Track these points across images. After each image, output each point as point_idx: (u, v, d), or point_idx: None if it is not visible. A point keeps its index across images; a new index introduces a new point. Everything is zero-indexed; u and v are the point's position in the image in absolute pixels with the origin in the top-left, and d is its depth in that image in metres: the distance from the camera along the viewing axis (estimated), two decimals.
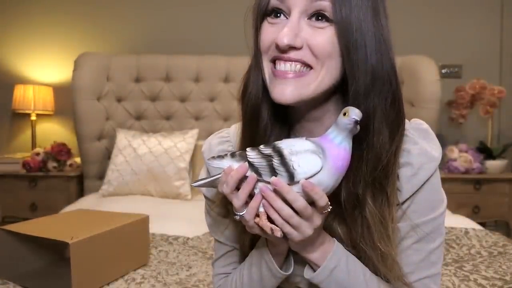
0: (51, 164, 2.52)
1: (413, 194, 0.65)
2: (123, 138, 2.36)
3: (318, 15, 0.59)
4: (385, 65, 0.60)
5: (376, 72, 0.59)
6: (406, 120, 0.66)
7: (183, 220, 1.84)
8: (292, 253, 0.67)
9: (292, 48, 0.59)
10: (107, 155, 2.52)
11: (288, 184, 0.55)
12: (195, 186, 0.62)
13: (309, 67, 0.60)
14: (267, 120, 0.66)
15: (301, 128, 0.68)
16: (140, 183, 2.26)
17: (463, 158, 2.56)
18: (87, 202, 2.15)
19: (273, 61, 0.62)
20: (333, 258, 0.63)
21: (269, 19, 0.62)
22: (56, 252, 1.30)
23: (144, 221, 1.35)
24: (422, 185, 0.65)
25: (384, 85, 0.60)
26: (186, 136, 2.37)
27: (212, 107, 2.63)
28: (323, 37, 0.58)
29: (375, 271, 0.66)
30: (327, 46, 0.58)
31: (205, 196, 0.76)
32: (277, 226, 0.57)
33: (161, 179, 2.25)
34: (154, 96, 2.61)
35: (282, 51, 0.59)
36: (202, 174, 0.77)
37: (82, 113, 2.45)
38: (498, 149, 2.72)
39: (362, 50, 0.58)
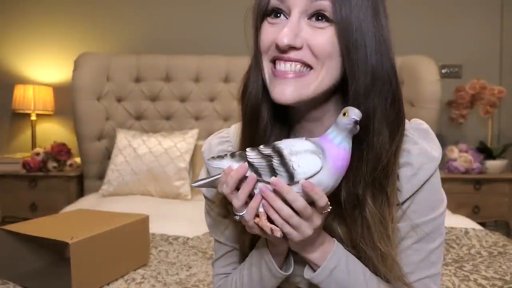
0: (51, 164, 2.52)
1: (413, 194, 0.65)
2: (123, 138, 2.36)
3: (318, 15, 0.59)
4: (385, 65, 0.60)
5: (376, 72, 0.59)
6: (406, 120, 0.66)
7: (183, 220, 1.84)
8: (292, 253, 0.67)
9: (292, 48, 0.59)
10: (107, 155, 2.52)
11: (288, 184, 0.55)
12: (195, 187, 0.62)
13: (309, 67, 0.60)
14: (267, 120, 0.65)
15: (301, 129, 0.68)
16: (140, 183, 2.26)
17: (463, 158, 2.56)
18: (87, 202, 2.15)
19: (273, 61, 0.62)
20: (333, 258, 0.63)
21: (269, 19, 0.62)
22: (56, 252, 1.30)
23: (144, 221, 1.35)
24: (422, 185, 0.65)
25: (384, 85, 0.60)
26: (186, 136, 2.37)
27: (212, 107, 2.63)
28: (323, 37, 0.58)
29: (375, 271, 0.66)
30: (327, 46, 0.58)
31: (205, 196, 0.76)
32: (277, 226, 0.57)
33: (161, 179, 2.25)
34: (154, 96, 2.61)
35: (282, 51, 0.59)
36: (202, 174, 0.77)
37: (82, 113, 2.45)
38: (498, 149, 2.72)
39: (362, 50, 0.58)
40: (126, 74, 2.57)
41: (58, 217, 1.44)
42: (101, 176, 2.50)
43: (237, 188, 0.57)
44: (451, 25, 2.91)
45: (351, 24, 0.57)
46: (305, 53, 0.59)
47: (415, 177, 0.64)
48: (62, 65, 2.88)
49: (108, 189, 2.26)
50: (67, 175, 2.54)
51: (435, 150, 0.66)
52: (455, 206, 2.36)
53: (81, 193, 2.59)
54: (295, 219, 0.56)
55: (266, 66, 0.63)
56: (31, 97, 2.70)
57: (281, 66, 0.60)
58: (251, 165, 0.57)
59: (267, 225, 0.56)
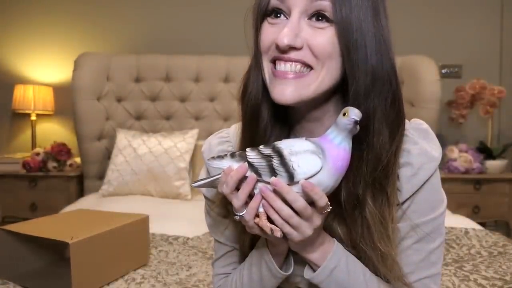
0: (51, 164, 2.52)
1: (413, 194, 0.65)
2: (123, 138, 2.36)
3: (318, 15, 0.58)
4: (385, 65, 0.60)
5: (376, 72, 0.59)
6: (406, 120, 0.66)
7: (183, 220, 1.84)
8: (292, 253, 0.67)
9: (292, 48, 0.59)
10: (107, 155, 2.52)
11: (288, 185, 0.55)
12: (195, 187, 0.62)
13: (309, 67, 0.60)
14: (267, 121, 0.65)
15: (301, 129, 0.68)
16: (140, 183, 2.26)
17: (463, 158, 2.56)
18: (87, 202, 2.15)
19: (273, 61, 0.62)
20: (333, 258, 0.63)
21: (269, 19, 0.62)
22: (56, 252, 1.30)
23: (144, 221, 1.35)
24: (422, 185, 0.65)
25: (384, 85, 0.60)
26: (186, 136, 2.37)
27: (212, 107, 2.63)
28: (324, 37, 0.58)
29: (375, 271, 0.66)
30: (327, 46, 0.58)
31: (205, 197, 0.76)
32: (276, 226, 0.57)
33: (161, 179, 2.25)
34: (154, 96, 2.61)
35: (282, 52, 0.59)
36: (202, 174, 0.77)
37: (82, 113, 2.45)
38: (498, 149, 2.72)
39: (362, 50, 0.58)
40: (126, 74, 2.57)
41: (58, 217, 1.44)
42: (101, 176, 2.50)
43: (237, 188, 0.57)
44: (451, 25, 2.91)
45: (351, 24, 0.57)
46: (305, 53, 0.59)
47: (415, 177, 0.64)
48: (62, 65, 2.88)
49: (108, 189, 2.26)
50: (67, 175, 2.54)
51: (435, 150, 0.66)
52: (455, 206, 2.36)
53: (81, 193, 2.59)
54: (295, 219, 0.56)
55: (266, 66, 0.63)
56: (31, 97, 2.70)
57: (281, 66, 0.60)
58: (251, 165, 0.57)
59: (267, 225, 0.56)
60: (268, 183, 0.56)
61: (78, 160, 2.64)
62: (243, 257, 0.75)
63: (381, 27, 0.60)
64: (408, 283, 0.65)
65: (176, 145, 2.32)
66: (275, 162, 0.55)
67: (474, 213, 2.54)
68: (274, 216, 0.56)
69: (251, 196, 0.57)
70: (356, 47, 0.58)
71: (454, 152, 2.59)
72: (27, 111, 2.75)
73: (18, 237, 1.20)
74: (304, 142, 0.57)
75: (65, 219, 1.37)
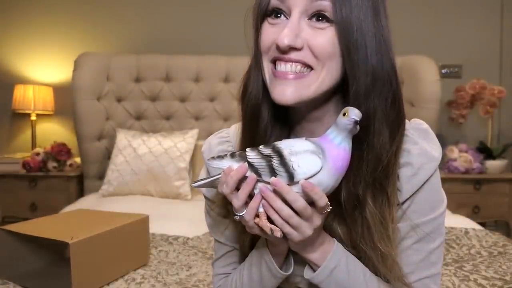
0: (51, 164, 2.52)
1: (413, 194, 0.65)
2: (123, 138, 2.36)
3: (319, 16, 0.58)
4: (385, 66, 0.60)
5: (376, 73, 0.59)
6: (406, 120, 0.66)
7: (183, 220, 1.84)
8: (292, 253, 0.67)
9: (292, 48, 0.59)
10: (107, 155, 2.52)
11: (288, 185, 0.55)
12: (195, 187, 0.62)
13: (310, 67, 0.60)
14: (268, 121, 0.65)
15: (301, 129, 0.68)
16: (140, 183, 2.26)
17: (463, 158, 2.56)
18: (87, 202, 2.15)
19: (274, 61, 0.62)
20: (333, 258, 0.63)
21: (269, 19, 0.62)
22: (56, 252, 1.30)
23: (144, 221, 1.35)
24: (422, 185, 0.65)
25: (385, 86, 0.60)
26: (186, 136, 2.38)
27: (212, 107, 2.63)
28: (324, 37, 0.58)
29: (375, 272, 0.66)
30: (327, 46, 0.58)
31: (205, 197, 0.76)
32: (276, 226, 0.57)
33: (161, 179, 2.25)
34: (154, 96, 2.61)
35: (282, 52, 0.59)
36: (202, 174, 0.77)
37: (82, 113, 2.45)
38: (498, 149, 2.72)
39: (362, 50, 0.58)
40: (126, 74, 2.57)
41: (58, 217, 1.44)
42: (101, 176, 2.50)
43: (237, 188, 0.57)
44: (451, 25, 2.91)
45: (351, 24, 0.57)
46: (306, 53, 0.59)
47: (415, 177, 0.64)
48: (62, 65, 2.88)
49: (108, 189, 2.26)
50: (67, 175, 2.54)
51: (435, 150, 0.66)
52: (455, 206, 2.36)
53: (81, 193, 2.59)
54: (295, 219, 0.56)
55: (267, 66, 0.63)
56: (31, 97, 2.70)
57: (282, 66, 0.60)
58: (251, 165, 0.57)
59: (267, 225, 0.56)
60: (268, 183, 0.56)
61: (78, 160, 2.64)
62: (243, 257, 0.75)
63: (381, 27, 0.60)
64: (408, 283, 0.65)
65: (176, 145, 2.32)
66: (275, 162, 0.55)
67: (474, 213, 2.54)
68: (274, 216, 0.56)
69: (251, 196, 0.57)
70: (356, 47, 0.58)
71: (454, 152, 2.59)
72: (27, 111, 2.75)
73: (18, 237, 1.20)
74: (304, 142, 0.57)
75: (65, 219, 1.37)
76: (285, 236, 0.58)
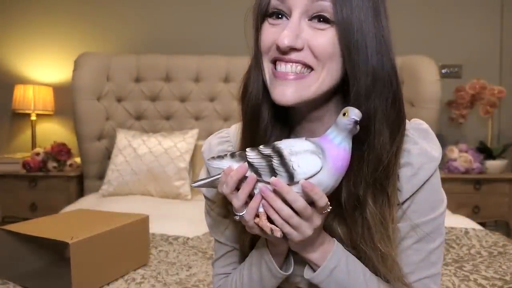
0: (51, 164, 2.52)
1: (413, 194, 0.65)
2: (123, 138, 2.36)
3: (320, 17, 0.58)
4: (386, 66, 0.60)
5: (377, 73, 0.59)
6: (406, 120, 0.66)
7: (183, 220, 1.84)
8: (292, 253, 0.67)
9: (293, 49, 0.59)
10: (107, 155, 2.52)
11: (288, 185, 0.55)
12: (195, 187, 0.62)
13: (310, 68, 0.60)
14: (268, 121, 0.65)
15: (301, 129, 0.68)
16: (140, 183, 2.26)
17: (463, 158, 2.56)
18: (87, 202, 2.15)
19: (274, 62, 0.62)
20: (333, 258, 0.63)
21: (269, 19, 0.62)
22: (56, 252, 1.30)
23: (144, 221, 1.35)
24: (422, 185, 0.65)
25: (385, 86, 0.60)
26: (186, 136, 2.38)
27: (212, 107, 2.63)
28: (324, 38, 0.58)
29: (375, 272, 0.66)
30: (328, 47, 0.58)
31: (205, 197, 0.76)
32: (276, 226, 0.57)
33: (161, 179, 2.25)
34: (154, 96, 2.61)
35: (282, 52, 0.59)
36: (202, 174, 0.77)
37: (82, 113, 2.45)
38: (498, 149, 2.72)
39: (363, 51, 0.58)
40: (126, 74, 2.57)
41: (58, 217, 1.44)
42: (101, 176, 2.50)
43: (237, 188, 0.57)
44: (451, 25, 2.91)
45: (352, 25, 0.57)
46: (306, 54, 0.59)
47: (415, 177, 0.64)
48: (62, 65, 2.88)
49: (108, 189, 2.26)
50: (67, 175, 2.54)
51: (435, 150, 0.66)
52: (455, 206, 2.36)
53: (81, 193, 2.59)
54: (295, 219, 0.56)
55: (267, 66, 0.63)
56: (31, 97, 2.70)
57: (282, 67, 0.60)
58: (251, 165, 0.57)
59: (267, 225, 0.56)
60: (268, 183, 0.56)
61: (78, 160, 2.64)
62: (243, 257, 0.75)
63: (381, 28, 0.60)
64: (408, 284, 0.65)
65: (176, 145, 2.32)
66: (275, 162, 0.55)
67: (474, 213, 2.54)
68: (274, 216, 0.56)
69: (251, 196, 0.57)
70: (357, 48, 0.58)
71: (454, 152, 2.59)
72: (27, 111, 2.75)
73: (18, 237, 1.20)
74: (304, 142, 0.57)
75: (65, 219, 1.37)
76: (285, 236, 0.58)
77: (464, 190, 2.56)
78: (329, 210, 0.57)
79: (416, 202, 0.65)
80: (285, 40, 0.57)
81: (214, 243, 0.80)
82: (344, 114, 0.54)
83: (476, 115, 2.81)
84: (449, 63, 2.93)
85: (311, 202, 0.56)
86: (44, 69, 2.90)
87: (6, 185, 2.52)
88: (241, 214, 0.58)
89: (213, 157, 0.60)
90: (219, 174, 0.59)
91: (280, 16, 0.61)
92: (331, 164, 0.55)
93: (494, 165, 2.62)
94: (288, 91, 0.60)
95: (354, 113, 0.53)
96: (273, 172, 0.55)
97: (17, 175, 2.52)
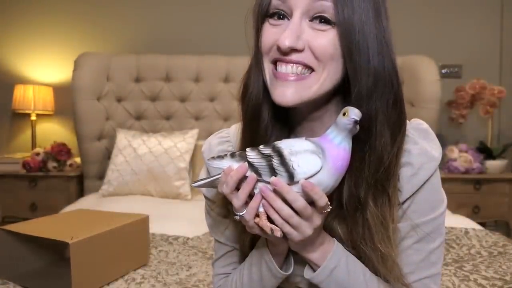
0: (51, 164, 2.52)
1: (413, 194, 0.65)
2: (123, 138, 2.36)
3: (321, 18, 0.58)
4: (387, 67, 0.60)
5: (378, 74, 0.59)
6: (407, 121, 0.66)
7: (183, 220, 1.84)
8: (292, 253, 0.67)
9: (293, 50, 0.59)
10: (107, 155, 2.52)
11: (288, 184, 0.55)
12: (195, 187, 0.62)
13: (310, 69, 0.60)
14: (268, 121, 0.65)
15: (302, 129, 0.68)
16: (140, 183, 2.26)
17: (463, 158, 2.56)
18: (87, 202, 2.15)
19: (274, 62, 0.62)
20: (333, 258, 0.63)
21: (270, 20, 0.62)
22: (56, 252, 1.30)
23: (144, 221, 1.35)
24: (422, 185, 0.65)
25: (386, 87, 0.60)
26: (186, 136, 2.38)
27: (212, 107, 2.63)
28: (325, 39, 0.58)
29: (375, 272, 0.66)
30: (329, 48, 0.58)
31: (205, 197, 0.76)
32: (277, 226, 0.57)
33: (161, 179, 2.25)
34: (154, 96, 2.61)
35: (283, 53, 0.59)
36: (202, 174, 0.77)
37: (82, 113, 2.45)
38: (498, 149, 2.73)
39: (364, 52, 0.58)
40: (126, 74, 2.57)
41: (58, 217, 1.44)
42: (101, 176, 2.50)
43: (237, 188, 0.57)
44: (451, 25, 2.91)
45: (353, 26, 0.57)
46: (307, 55, 0.59)
47: (415, 177, 0.64)
48: (62, 65, 2.88)
49: (108, 189, 2.26)
50: (67, 175, 2.54)
51: (435, 150, 0.66)
52: (455, 206, 2.36)
53: (81, 193, 2.59)
54: (295, 219, 0.56)
55: (267, 67, 0.63)
56: (31, 97, 2.70)
57: (282, 68, 0.60)
58: (251, 165, 0.57)
59: (267, 225, 0.56)
60: (268, 183, 0.56)
61: (78, 160, 2.64)
62: (243, 257, 0.75)
63: (382, 28, 0.60)
64: (408, 284, 0.65)
65: (176, 145, 2.32)
66: (275, 162, 0.55)
67: (474, 213, 2.54)
68: (274, 216, 0.56)
69: (251, 196, 0.57)
70: (358, 48, 0.58)
71: (454, 152, 2.59)
72: (27, 111, 2.75)
73: (18, 237, 1.20)
74: (304, 142, 0.57)
75: (65, 219, 1.37)
76: (285, 236, 0.58)
77: (464, 190, 2.56)
78: (329, 210, 0.57)
79: (416, 202, 0.65)
80: (286, 41, 0.57)
81: (214, 243, 0.80)
82: (344, 114, 0.54)
83: (476, 115, 2.81)
84: (449, 63, 2.93)
85: (311, 202, 0.56)
86: (44, 69, 2.90)
87: (6, 185, 2.52)
88: (241, 214, 0.58)
89: (213, 157, 0.60)
90: (219, 174, 0.59)
91: (281, 16, 0.61)
92: (331, 164, 0.55)
93: (494, 165, 2.62)
94: (288, 92, 0.60)
95: (354, 113, 0.53)
96: (273, 172, 0.55)
97: (17, 175, 2.52)
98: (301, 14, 0.58)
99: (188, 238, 1.64)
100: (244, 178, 0.57)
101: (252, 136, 0.66)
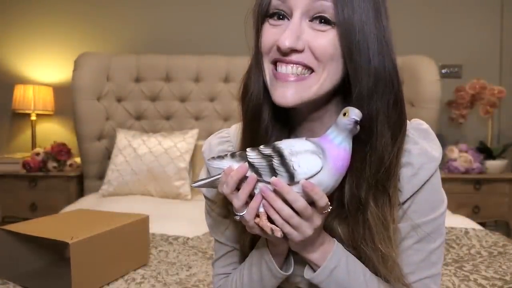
0: (51, 164, 2.52)
1: (413, 194, 0.65)
2: (123, 138, 2.36)
3: (321, 18, 0.58)
4: (387, 67, 0.60)
5: (379, 74, 0.59)
6: (407, 121, 0.66)
7: (183, 220, 1.84)
8: (292, 253, 0.67)
9: (293, 50, 0.59)
10: (107, 155, 2.52)
11: (288, 185, 0.55)
12: (195, 187, 0.62)
13: (311, 69, 0.60)
14: (268, 121, 0.65)
15: (302, 129, 0.68)
16: (140, 183, 2.26)
17: (463, 158, 2.56)
18: (87, 202, 2.15)
19: (274, 63, 0.62)
20: (333, 258, 0.63)
21: (270, 20, 0.62)
22: (56, 252, 1.30)
23: (144, 221, 1.35)
24: (423, 185, 0.65)
25: (387, 87, 0.60)
26: (186, 136, 2.37)
27: (212, 107, 2.63)
28: (325, 39, 0.58)
29: (375, 272, 0.66)
30: (329, 48, 0.58)
31: (205, 197, 0.76)
32: (277, 226, 0.57)
33: (161, 179, 2.25)
34: (154, 96, 2.61)
35: (283, 54, 0.59)
36: (202, 174, 0.77)
37: (82, 113, 2.45)
38: (498, 149, 2.73)
39: (365, 52, 0.58)
40: (126, 74, 2.57)
41: (58, 217, 1.44)
42: (101, 176, 2.50)
43: (238, 188, 0.57)
44: (451, 25, 2.91)
45: (353, 26, 0.57)
46: (307, 55, 0.59)
47: (416, 177, 0.64)
48: (62, 65, 2.88)
49: (108, 189, 2.26)
50: (67, 175, 2.54)
51: (435, 150, 0.66)
52: (455, 206, 2.36)
53: (81, 193, 2.59)
54: (295, 219, 0.56)
55: (267, 67, 0.63)
56: (31, 97, 2.70)
57: (282, 68, 0.60)
58: (251, 165, 0.57)
59: (267, 225, 0.56)
60: (269, 183, 0.56)
61: (78, 160, 2.64)
62: (243, 257, 0.75)
63: (382, 28, 0.59)
64: (408, 284, 0.65)
65: (176, 145, 2.32)
66: (276, 162, 0.55)
67: (474, 213, 2.54)
68: (275, 216, 0.56)
69: (251, 196, 0.57)
70: (358, 49, 0.57)
71: (454, 152, 2.59)
72: (27, 111, 2.75)
73: (18, 237, 1.20)
74: (305, 142, 0.57)
75: (65, 219, 1.37)
76: (285, 236, 0.58)
77: (464, 190, 2.56)
78: (329, 210, 0.57)
79: (416, 202, 0.65)
80: (286, 42, 0.57)
81: (214, 243, 0.80)
82: (344, 114, 0.54)
83: (476, 115, 2.81)
84: (449, 63, 2.93)
85: (312, 202, 0.56)
86: (44, 69, 2.90)
87: (6, 185, 2.52)
88: (241, 214, 0.58)
89: (213, 157, 0.60)
90: (219, 174, 0.59)
91: (280, 16, 0.61)
92: (331, 164, 0.55)
93: (494, 165, 2.62)
94: (288, 92, 0.60)
95: (354, 113, 0.53)
96: (274, 172, 0.55)
97: (17, 175, 2.52)
98: (301, 14, 0.58)
99: (188, 238, 1.64)
100: (244, 178, 0.57)
101: (252, 136, 0.66)
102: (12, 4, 2.90)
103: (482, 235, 1.65)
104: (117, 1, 2.90)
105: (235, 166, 0.57)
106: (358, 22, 0.57)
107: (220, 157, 0.60)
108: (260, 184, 0.57)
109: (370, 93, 0.59)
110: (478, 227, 1.81)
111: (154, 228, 1.61)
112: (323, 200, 0.55)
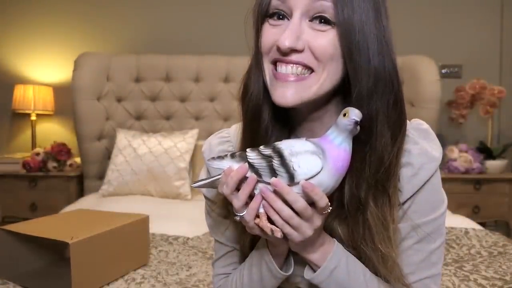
0: (51, 164, 2.52)
1: (413, 194, 0.65)
2: (123, 138, 2.36)
3: (320, 18, 0.58)
4: (387, 67, 0.60)
5: (378, 74, 0.59)
6: (407, 121, 0.66)
7: (183, 220, 1.84)
8: (292, 254, 0.67)
9: (293, 50, 0.59)
10: (107, 155, 2.52)
11: (288, 185, 0.55)
12: (195, 187, 0.62)
13: (310, 69, 0.60)
14: (268, 121, 0.65)
15: (302, 129, 0.68)
16: (140, 183, 2.26)
17: (463, 158, 2.56)
18: (87, 202, 2.15)
19: (274, 63, 0.62)
20: (333, 258, 0.63)
21: (270, 20, 0.62)
22: (56, 252, 1.30)
23: (144, 221, 1.35)
24: (423, 185, 0.65)
25: (387, 87, 0.60)
26: (186, 136, 2.37)
27: (212, 107, 2.63)
28: (325, 39, 0.58)
29: (375, 272, 0.66)
30: (329, 48, 0.58)
31: (205, 197, 0.76)
32: (277, 227, 0.57)
33: (161, 179, 2.25)
34: (154, 96, 2.61)
35: (283, 54, 0.59)
36: (202, 174, 0.77)
37: (82, 113, 2.45)
38: (498, 149, 2.73)
39: (365, 52, 0.58)
40: (126, 74, 2.57)
41: (58, 217, 1.44)
42: (101, 176, 2.50)
43: (238, 189, 0.57)
44: (451, 25, 2.91)
45: (353, 26, 0.57)
46: (307, 55, 0.59)
47: (416, 177, 0.64)
48: (62, 65, 2.87)
49: (108, 189, 2.26)
50: (67, 175, 2.54)
51: (435, 150, 0.66)
52: (455, 206, 2.36)
53: (81, 193, 2.59)
54: (295, 219, 0.56)
55: (267, 67, 0.63)
56: (31, 97, 2.70)
57: (282, 68, 0.60)
58: (251, 165, 0.57)
59: (267, 226, 0.56)
60: (269, 183, 0.56)
61: (78, 160, 2.64)
62: (243, 257, 0.75)
63: (382, 28, 0.59)
64: (408, 284, 0.65)
65: (176, 145, 2.32)
66: (276, 162, 0.55)
67: (474, 213, 2.54)
68: (275, 217, 0.56)
69: (251, 196, 0.57)
70: (358, 49, 0.57)
71: (454, 152, 2.59)
72: (27, 111, 2.75)
73: (18, 237, 1.20)
74: (305, 143, 0.57)
75: (65, 219, 1.37)
76: (285, 236, 0.58)
77: (464, 190, 2.56)
78: (329, 210, 0.57)
79: (416, 202, 0.65)
80: (286, 42, 0.57)
81: (214, 243, 0.80)
82: (344, 115, 0.54)
83: (476, 115, 2.81)
84: (449, 63, 2.93)
85: (312, 203, 0.56)
86: (44, 69, 2.90)
87: (6, 185, 2.52)
88: (241, 214, 0.58)
89: (213, 158, 0.60)
90: (219, 175, 0.59)
91: (280, 16, 0.61)
92: (331, 164, 0.55)
93: (494, 165, 2.62)
94: (288, 92, 0.60)
95: (354, 114, 0.53)
96: (274, 173, 0.55)
97: (17, 175, 2.52)
98: (301, 15, 0.58)
99: (188, 238, 1.64)
100: (244, 178, 0.56)
101: (252, 136, 0.66)
102: (12, 4, 2.90)
103: (482, 235, 1.65)
104: (117, 1, 2.90)
105: (235, 166, 0.57)
106: (358, 22, 0.57)
107: (220, 158, 0.60)
108: (260, 185, 0.57)
109: (370, 93, 0.59)
110: (478, 227, 1.81)
111: (154, 228, 1.61)
112: (323, 201, 0.55)
